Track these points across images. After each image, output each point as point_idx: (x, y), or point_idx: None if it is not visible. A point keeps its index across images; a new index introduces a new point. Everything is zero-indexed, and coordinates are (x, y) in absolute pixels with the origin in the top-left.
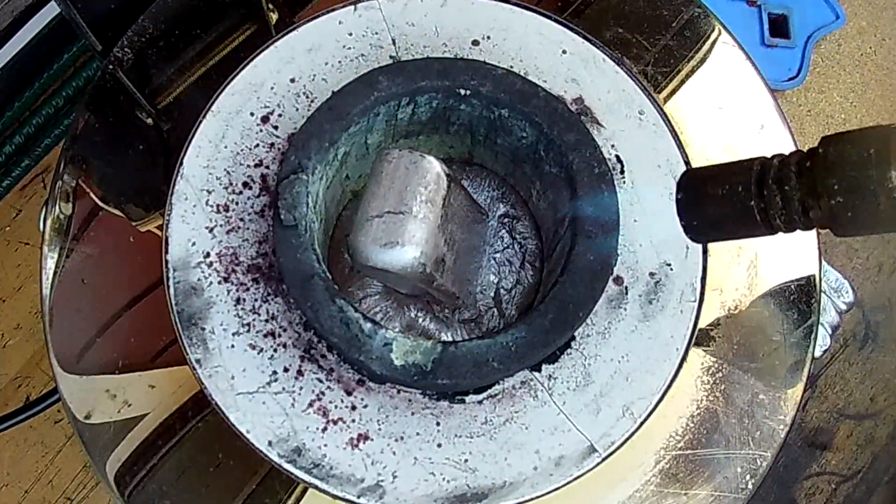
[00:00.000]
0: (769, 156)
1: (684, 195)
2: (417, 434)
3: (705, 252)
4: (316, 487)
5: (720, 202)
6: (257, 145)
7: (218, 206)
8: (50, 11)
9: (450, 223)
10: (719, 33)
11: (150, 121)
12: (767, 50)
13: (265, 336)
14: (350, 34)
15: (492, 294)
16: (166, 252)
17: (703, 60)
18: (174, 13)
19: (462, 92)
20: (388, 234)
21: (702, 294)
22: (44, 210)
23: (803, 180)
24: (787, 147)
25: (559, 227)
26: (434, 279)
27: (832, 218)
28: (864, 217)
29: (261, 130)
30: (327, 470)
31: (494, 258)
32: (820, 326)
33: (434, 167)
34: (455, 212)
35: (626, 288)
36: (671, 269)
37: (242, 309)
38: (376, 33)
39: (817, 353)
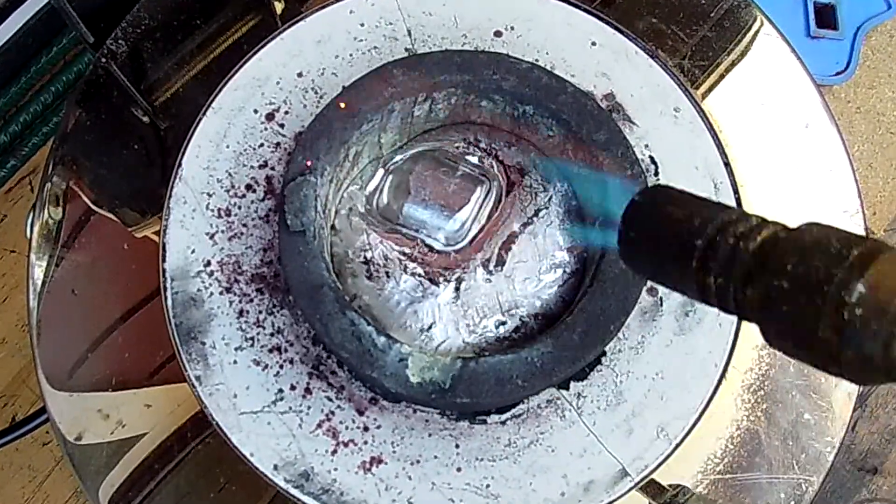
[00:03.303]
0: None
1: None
2: (435, 457)
3: None
4: None
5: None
6: (262, 145)
7: (219, 210)
8: (38, 0)
9: None
10: (761, 24)
11: (146, 118)
12: (813, 42)
13: (270, 351)
14: (362, 25)
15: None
16: (164, 260)
17: (743, 53)
18: (172, 2)
19: (484, 87)
20: None
21: None
22: (31, 215)
23: (763, 247)
24: (834, 146)
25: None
26: None
27: (766, 302)
28: (800, 318)
29: (265, 129)
30: (337, 496)
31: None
32: None
33: None
34: None
35: (661, 299)
36: None
37: (246, 322)
38: (390, 23)
39: None
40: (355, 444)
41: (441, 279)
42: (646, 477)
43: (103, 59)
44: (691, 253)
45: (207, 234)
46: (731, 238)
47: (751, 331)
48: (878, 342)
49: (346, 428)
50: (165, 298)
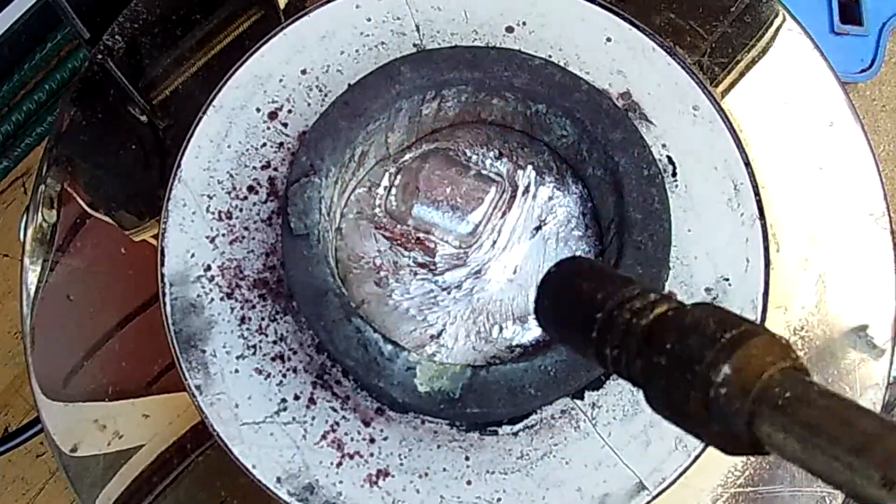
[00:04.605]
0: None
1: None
2: (444, 470)
3: (768, 266)
4: None
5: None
6: (264, 145)
7: (220, 212)
8: None
9: None
10: (783, 19)
11: (143, 117)
12: (837, 38)
13: (273, 359)
14: (368, 19)
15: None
16: (162, 265)
17: (765, 50)
18: None
19: (495, 85)
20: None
21: (764, 312)
22: (24, 218)
23: (652, 324)
24: (859, 146)
25: (605, 234)
26: None
27: (648, 374)
28: (674, 392)
29: (268, 128)
30: None
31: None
32: None
33: None
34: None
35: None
36: (729, 285)
37: (247, 329)
38: (398, 18)
39: (894, 377)
40: (361, 456)
41: (452, 285)
42: (663, 490)
43: (99, 56)
44: (592, 325)
45: (208, 237)
46: (627, 313)
47: None
48: (741, 420)
49: (352, 439)
50: (164, 305)
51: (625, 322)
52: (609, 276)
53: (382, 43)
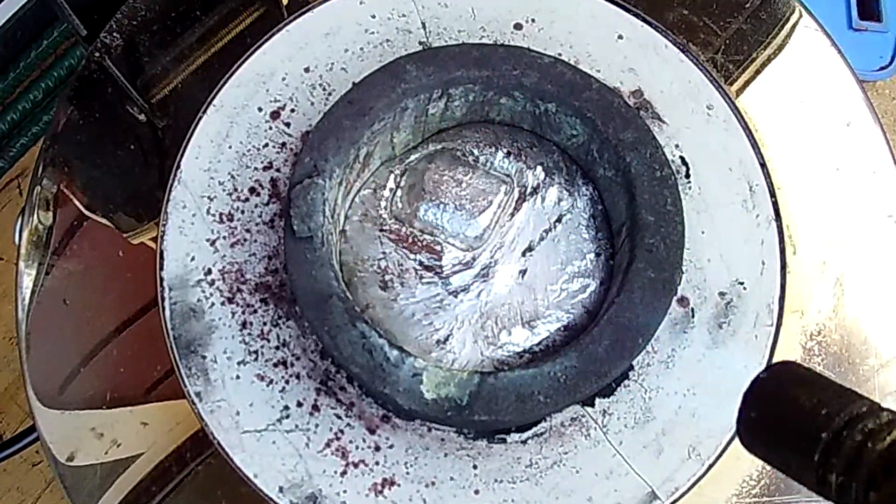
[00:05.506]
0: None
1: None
2: (451, 479)
3: (784, 269)
4: None
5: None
6: (266, 145)
7: (221, 214)
8: None
9: None
10: (800, 16)
11: (142, 117)
12: (855, 35)
13: (275, 365)
14: (373, 16)
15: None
16: (161, 268)
17: (781, 47)
18: None
19: (503, 83)
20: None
21: (780, 317)
22: (20, 220)
23: (892, 448)
24: (878, 146)
25: (616, 237)
26: None
27: None
28: None
29: (270, 128)
30: None
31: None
32: None
33: None
34: None
35: (693, 310)
36: (744, 289)
37: (249, 334)
38: (404, 15)
39: None
40: (366, 465)
41: (459, 289)
42: (676, 500)
43: (97, 54)
44: (814, 445)
45: (208, 240)
46: (858, 435)
47: (788, 344)
48: None
49: (357, 447)
50: (163, 309)
51: (856, 445)
52: (830, 388)
53: (387, 40)
